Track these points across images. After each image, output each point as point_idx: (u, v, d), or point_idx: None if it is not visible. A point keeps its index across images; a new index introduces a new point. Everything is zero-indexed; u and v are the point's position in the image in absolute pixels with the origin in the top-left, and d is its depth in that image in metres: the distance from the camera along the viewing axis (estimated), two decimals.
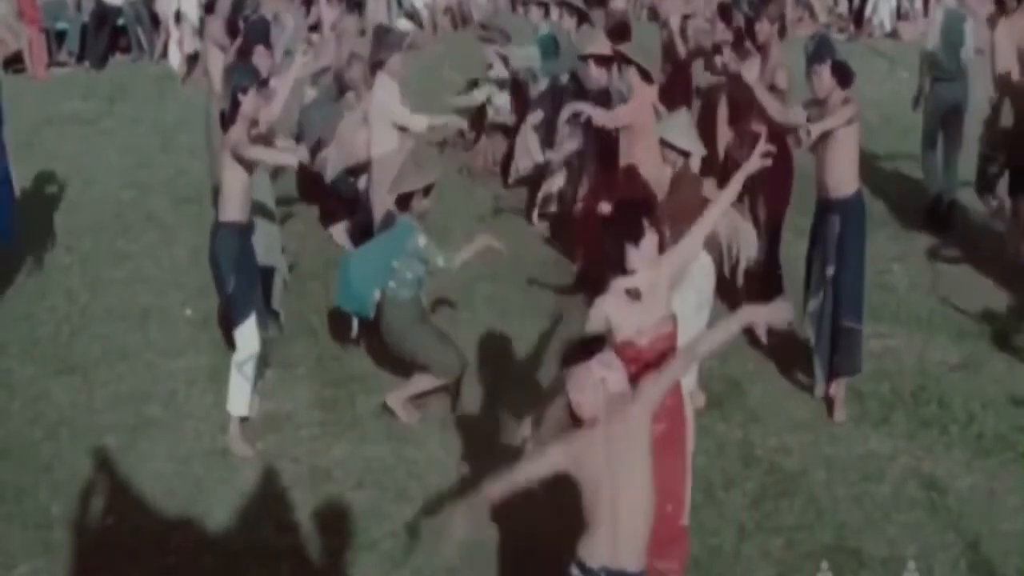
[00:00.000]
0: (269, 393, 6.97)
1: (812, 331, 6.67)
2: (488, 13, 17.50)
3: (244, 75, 6.29)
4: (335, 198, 9.21)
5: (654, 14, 10.80)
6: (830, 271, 6.54)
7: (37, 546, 5.56)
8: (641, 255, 4.63)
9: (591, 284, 7.79)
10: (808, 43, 6.56)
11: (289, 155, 6.21)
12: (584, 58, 8.44)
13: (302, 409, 6.84)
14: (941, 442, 6.38)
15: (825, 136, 6.37)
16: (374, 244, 6.86)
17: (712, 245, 6.08)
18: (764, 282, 7.53)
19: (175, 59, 15.90)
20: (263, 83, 6.65)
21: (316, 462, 6.28)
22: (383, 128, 7.91)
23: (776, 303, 4.28)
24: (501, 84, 10.59)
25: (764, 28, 7.94)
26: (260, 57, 7.38)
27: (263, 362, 6.85)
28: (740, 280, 6.73)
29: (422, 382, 6.64)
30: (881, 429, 6.52)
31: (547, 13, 10.44)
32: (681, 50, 9.35)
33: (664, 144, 6.40)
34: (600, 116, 7.60)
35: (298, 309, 8.01)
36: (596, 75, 8.21)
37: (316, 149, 8.88)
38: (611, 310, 4.67)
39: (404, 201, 6.58)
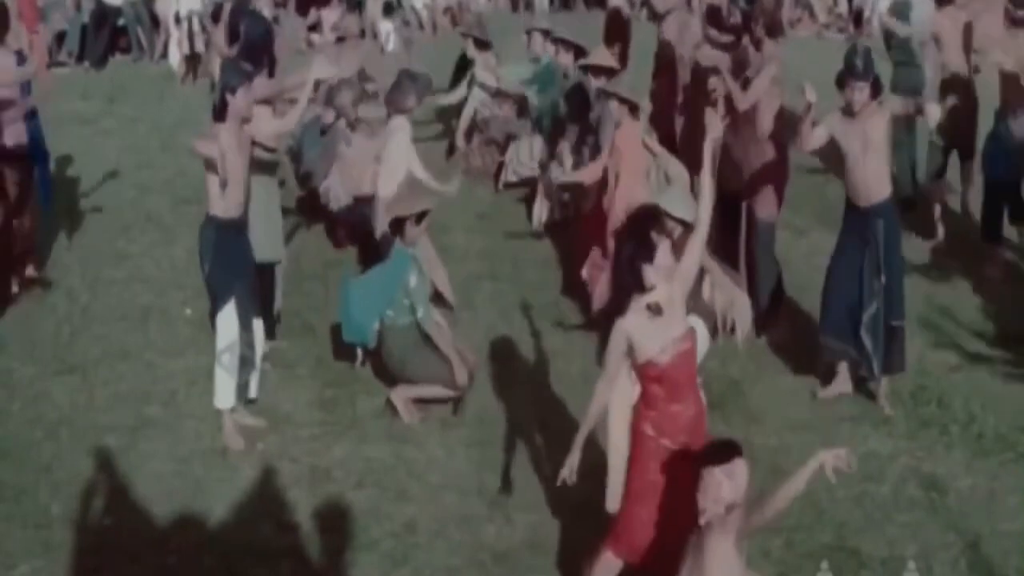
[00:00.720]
0: (269, 393, 6.98)
1: (869, 339, 6.59)
2: (489, 14, 17.54)
3: (233, 74, 6.29)
4: (338, 222, 9.18)
5: (653, 14, 10.79)
6: (884, 279, 6.54)
7: (37, 546, 5.56)
8: (657, 269, 4.56)
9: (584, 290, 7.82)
10: (853, 55, 6.52)
11: (213, 146, 6.15)
12: (584, 68, 8.75)
13: (302, 409, 6.84)
14: (941, 442, 6.38)
15: (865, 143, 6.39)
16: (373, 275, 6.96)
17: (707, 314, 6.09)
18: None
19: (175, 59, 15.90)
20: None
21: (316, 462, 6.28)
22: (395, 170, 7.73)
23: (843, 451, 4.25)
24: (489, 92, 10.73)
25: (758, 31, 7.88)
26: (261, 87, 7.07)
27: (265, 359, 6.86)
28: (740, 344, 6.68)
29: (431, 389, 6.69)
30: (881, 429, 6.52)
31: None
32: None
33: (663, 214, 6.48)
34: (586, 175, 7.74)
35: (298, 309, 8.02)
36: (596, 84, 8.54)
37: (309, 177, 9.00)
38: (632, 330, 4.59)
39: (397, 225, 6.72)
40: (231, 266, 6.35)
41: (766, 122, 7.41)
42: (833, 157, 6.91)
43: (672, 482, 4.66)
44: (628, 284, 4.61)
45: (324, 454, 6.36)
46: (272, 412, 6.78)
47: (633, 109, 7.53)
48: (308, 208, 9.59)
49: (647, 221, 4.67)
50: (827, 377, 6.90)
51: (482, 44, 11.04)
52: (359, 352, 7.00)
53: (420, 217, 6.74)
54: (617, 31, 11.45)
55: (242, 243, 6.46)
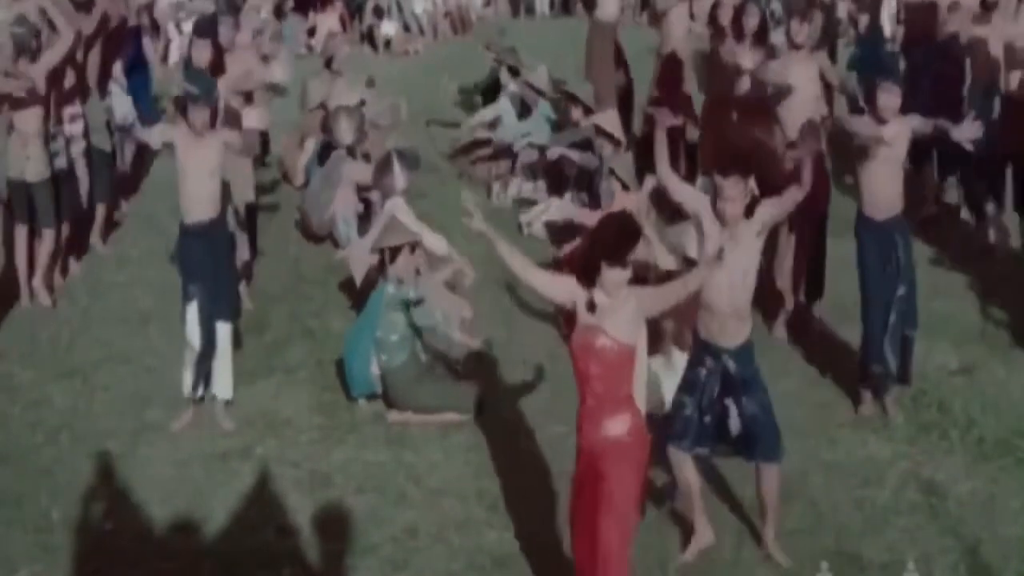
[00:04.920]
0: (269, 398, 6.99)
1: (891, 352, 6.56)
2: (488, 18, 17.57)
3: (188, 91, 6.64)
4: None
5: (655, 18, 10.76)
6: (902, 290, 6.52)
7: (37, 550, 5.56)
8: (611, 276, 4.58)
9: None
10: (890, 57, 6.60)
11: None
12: (597, 131, 8.98)
13: (302, 413, 6.85)
14: (941, 447, 6.39)
15: (888, 153, 6.35)
16: (357, 326, 7.03)
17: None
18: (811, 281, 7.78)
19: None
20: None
21: (316, 466, 6.28)
22: None
23: None
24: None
25: (803, 29, 7.70)
26: (199, 49, 7.44)
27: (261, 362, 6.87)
28: None
29: (439, 417, 6.69)
30: (881, 433, 6.53)
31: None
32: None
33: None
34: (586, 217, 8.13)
35: (298, 314, 8.02)
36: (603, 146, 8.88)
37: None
38: (575, 287, 4.67)
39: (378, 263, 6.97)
40: (183, 268, 6.64)
41: None
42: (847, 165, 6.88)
43: (582, 487, 4.73)
44: (581, 270, 4.66)
45: (324, 459, 6.36)
46: (272, 417, 6.78)
47: (625, 188, 7.91)
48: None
49: (632, 240, 4.66)
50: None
51: (515, 71, 10.83)
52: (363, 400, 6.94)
53: (395, 253, 6.81)
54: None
55: (199, 247, 6.59)
